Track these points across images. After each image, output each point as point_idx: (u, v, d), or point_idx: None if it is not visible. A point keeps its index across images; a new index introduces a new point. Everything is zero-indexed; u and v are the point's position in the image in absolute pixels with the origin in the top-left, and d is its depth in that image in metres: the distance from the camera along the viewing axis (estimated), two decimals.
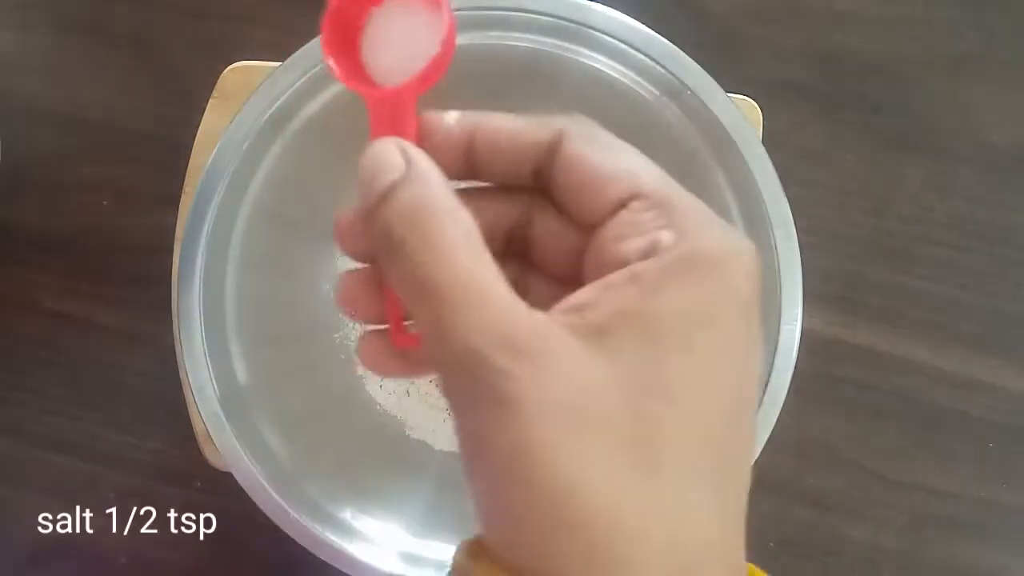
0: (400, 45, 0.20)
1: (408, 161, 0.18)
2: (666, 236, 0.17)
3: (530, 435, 0.15)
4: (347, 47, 0.21)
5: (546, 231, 0.21)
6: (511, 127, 0.20)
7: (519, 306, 0.16)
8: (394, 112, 0.19)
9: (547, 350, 0.16)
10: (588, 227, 0.19)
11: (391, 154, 0.18)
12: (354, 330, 0.44)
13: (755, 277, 0.18)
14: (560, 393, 0.16)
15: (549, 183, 0.20)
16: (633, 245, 0.17)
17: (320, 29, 0.21)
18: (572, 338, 0.16)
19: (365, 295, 0.21)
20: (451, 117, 0.20)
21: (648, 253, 0.17)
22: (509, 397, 0.15)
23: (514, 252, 0.21)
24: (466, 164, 0.20)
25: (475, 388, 0.16)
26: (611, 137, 0.19)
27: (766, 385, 0.34)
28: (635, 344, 0.16)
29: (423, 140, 0.19)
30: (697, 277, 0.17)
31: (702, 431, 0.16)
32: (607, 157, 0.19)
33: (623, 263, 0.17)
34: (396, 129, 0.19)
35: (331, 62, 0.20)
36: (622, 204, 0.18)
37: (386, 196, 0.17)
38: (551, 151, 0.19)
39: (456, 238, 0.17)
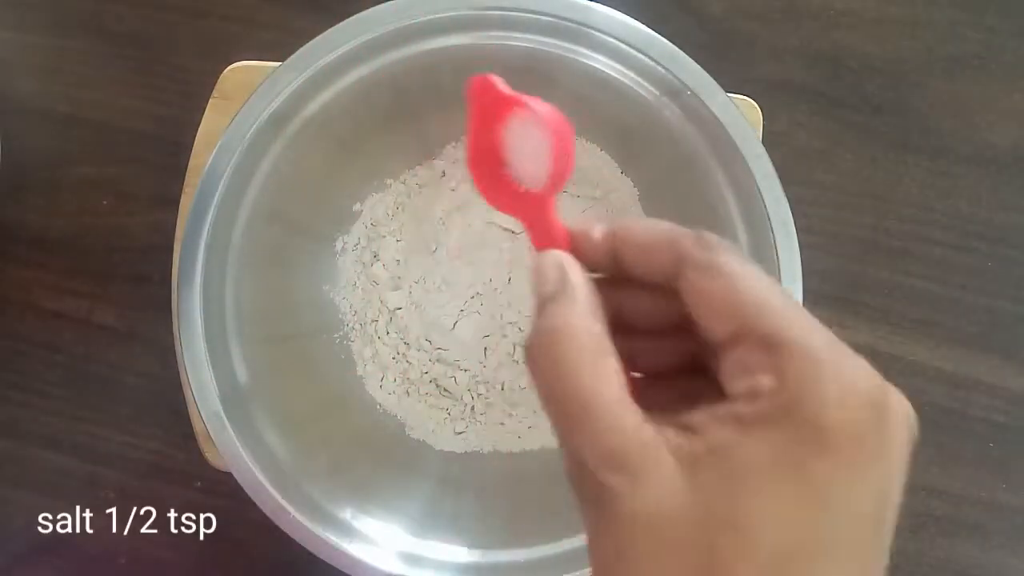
0: (533, 154, 0.23)
1: (563, 279, 0.21)
2: (767, 382, 0.18)
3: (620, 542, 0.18)
4: (489, 165, 0.24)
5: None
6: (642, 242, 0.21)
7: (630, 422, 0.19)
8: (538, 214, 0.23)
9: (646, 470, 0.18)
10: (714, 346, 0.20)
11: (550, 270, 0.21)
12: (353, 330, 0.44)
13: (861, 433, 0.18)
14: (650, 512, 0.18)
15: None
16: (739, 385, 0.19)
17: (467, 163, 0.24)
18: (671, 462, 0.18)
19: None
20: (597, 232, 0.22)
21: (750, 396, 0.18)
22: (609, 507, 0.18)
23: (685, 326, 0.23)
24: (615, 266, 0.22)
25: (586, 493, 0.19)
26: (732, 260, 0.20)
27: None
28: (720, 480, 0.18)
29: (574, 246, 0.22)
30: (788, 427, 0.18)
31: (767, 566, 0.18)
32: (722, 290, 0.19)
33: (732, 398, 0.19)
34: (544, 226, 0.23)
35: (480, 188, 0.24)
36: (736, 338, 0.19)
37: (540, 310, 0.21)
38: (676, 272, 0.21)
39: (581, 358, 0.19)
